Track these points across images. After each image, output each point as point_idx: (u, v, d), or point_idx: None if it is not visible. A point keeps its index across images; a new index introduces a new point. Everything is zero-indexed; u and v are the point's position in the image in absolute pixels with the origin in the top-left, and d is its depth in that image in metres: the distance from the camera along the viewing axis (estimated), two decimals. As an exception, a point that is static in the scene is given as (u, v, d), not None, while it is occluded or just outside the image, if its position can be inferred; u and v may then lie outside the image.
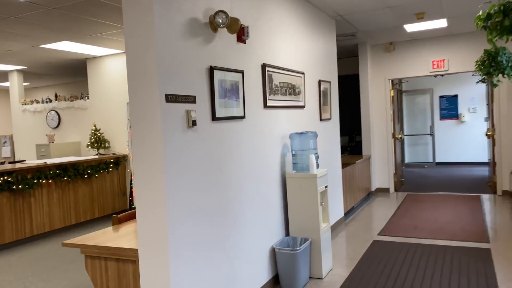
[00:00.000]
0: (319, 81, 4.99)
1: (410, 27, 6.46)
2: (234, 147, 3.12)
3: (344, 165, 6.46)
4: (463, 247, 4.52)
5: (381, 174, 7.94)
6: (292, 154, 3.92)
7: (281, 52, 3.99)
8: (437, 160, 11.35)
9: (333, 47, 5.63)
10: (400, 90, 11.27)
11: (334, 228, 5.42)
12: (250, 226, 3.32)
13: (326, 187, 3.99)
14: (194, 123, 2.58)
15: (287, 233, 3.96)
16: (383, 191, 7.96)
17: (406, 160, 11.69)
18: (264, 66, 3.61)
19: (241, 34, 3.18)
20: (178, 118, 2.50)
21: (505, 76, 5.84)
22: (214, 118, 2.84)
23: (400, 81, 11.12)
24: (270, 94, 3.70)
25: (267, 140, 3.66)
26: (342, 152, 8.54)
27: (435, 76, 7.63)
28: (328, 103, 5.28)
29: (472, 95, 10.93)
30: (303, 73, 4.45)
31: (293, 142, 3.92)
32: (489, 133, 7.40)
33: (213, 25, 2.83)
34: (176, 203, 2.46)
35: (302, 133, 3.89)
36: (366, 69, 7.63)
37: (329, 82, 5.34)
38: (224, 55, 3.02)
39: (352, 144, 8.70)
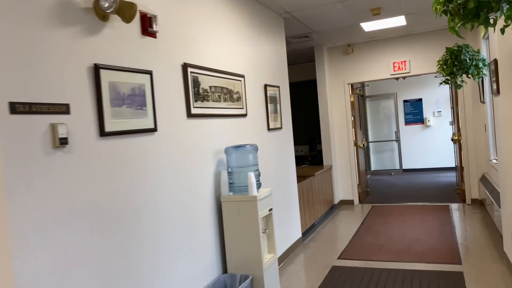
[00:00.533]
0: (265, 86, 4.37)
1: (367, 26, 5.96)
2: (142, 170, 2.43)
3: (302, 178, 5.85)
4: (432, 271, 3.94)
5: (345, 185, 7.39)
6: (228, 173, 3.26)
7: (211, 51, 3.34)
8: (404, 167, 10.95)
9: (282, 48, 5.04)
10: (362, 95, 10.85)
11: (290, 252, 4.77)
12: (170, 270, 2.61)
13: (270, 210, 3.34)
14: (63, 141, 1.88)
15: (224, 269, 3.27)
16: (347, 203, 7.40)
17: (373, 168, 11.25)
18: (185, 66, 2.94)
19: (147, 25, 2.50)
20: (36, 136, 1.79)
21: (469, 76, 5.39)
22: (103, 133, 2.14)
23: (362, 85, 10.70)
24: (196, 101, 3.03)
25: (194, 157, 2.99)
26: (302, 163, 7.96)
27: (397, 79, 7.18)
28: (277, 111, 4.66)
29: (436, 98, 10.62)
30: (242, 76, 3.81)
31: (229, 158, 3.26)
32: (455, 138, 6.97)
33: (98, 11, 2.15)
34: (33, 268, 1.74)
35: (239, 146, 3.24)
36: (324, 73, 7.09)
37: (278, 87, 4.72)
38: (120, 51, 2.33)
39: (313, 153, 8.13)
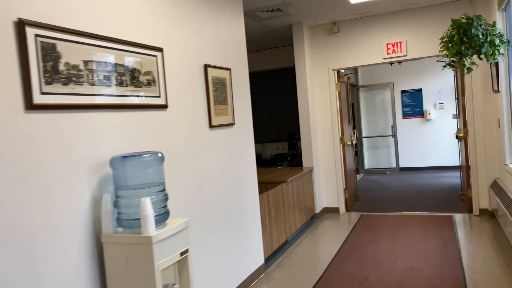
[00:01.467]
0: (206, 67, 3.20)
1: (353, -4, 4.78)
2: None
3: (272, 184, 4.70)
4: (431, 327, 2.81)
5: (329, 190, 6.24)
6: (116, 197, 2.11)
7: (91, 4, 2.17)
8: (401, 165, 9.80)
9: (239, 20, 3.86)
10: (355, 85, 9.67)
11: (245, 287, 3.64)
12: None
13: (184, 253, 2.19)
14: None
15: None
16: (332, 211, 6.25)
17: (366, 166, 10.10)
18: (22, 25, 1.77)
19: None
20: None
21: (481, 57, 4.21)
22: None
23: (355, 72, 9.51)
24: (50, 83, 1.87)
25: (47, 175, 1.84)
26: (280, 164, 6.81)
27: (391, 63, 6.00)
28: (227, 101, 3.50)
29: (438, 88, 9.43)
30: (159, 50, 2.64)
31: (116, 174, 2.10)
32: (460, 134, 5.81)
33: None
34: None
35: (130, 156, 2.08)
36: (303, 57, 5.91)
37: (228, 69, 3.55)
38: None
39: (294, 152, 6.97)
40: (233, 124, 3.56)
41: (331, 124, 6.14)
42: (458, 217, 5.50)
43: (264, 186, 4.85)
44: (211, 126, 3.22)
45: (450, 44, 4.01)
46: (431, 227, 5.12)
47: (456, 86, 6.17)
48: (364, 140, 10.11)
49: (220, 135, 3.36)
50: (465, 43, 3.93)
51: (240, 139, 3.70)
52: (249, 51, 7.70)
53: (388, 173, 9.69)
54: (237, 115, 3.66)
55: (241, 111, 3.74)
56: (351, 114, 8.86)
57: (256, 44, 7.21)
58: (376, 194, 7.31)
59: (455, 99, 6.33)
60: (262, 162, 7.36)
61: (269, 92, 7.89)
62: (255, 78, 8.00)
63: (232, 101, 3.57)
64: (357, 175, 9.68)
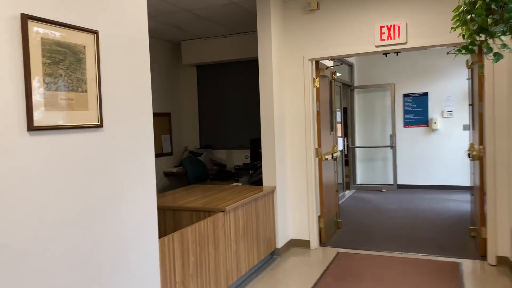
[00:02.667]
0: (25, 20, 1.76)
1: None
2: None
3: (207, 213, 3.27)
4: None
5: (298, 217, 4.78)
6: None
7: None
8: (399, 182, 8.31)
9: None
10: (349, 85, 8.20)
11: None
12: None
13: None
14: None
15: None
16: (300, 245, 4.80)
17: (359, 181, 8.62)
18: None
19: None
20: None
21: (516, 38, 2.74)
22: None
23: (350, 67, 8.04)
24: None
25: None
26: (239, 178, 5.36)
27: (385, 54, 4.54)
28: (84, 85, 2.05)
29: (447, 92, 7.94)
30: None
31: None
32: (474, 152, 4.34)
33: None
34: None
35: None
36: (269, 42, 4.46)
37: (94, 32, 2.11)
38: None
39: (258, 164, 5.51)
40: (98, 126, 2.12)
41: (304, 131, 4.68)
42: (466, 265, 4.03)
43: (191, 215, 3.42)
44: (32, 127, 1.78)
45: (470, 16, 2.55)
46: (429, 279, 3.65)
47: (471, 89, 4.71)
48: (357, 150, 8.63)
49: (60, 144, 1.92)
50: (493, 14, 2.47)
51: (117, 153, 2.25)
52: (215, 35, 6.27)
53: (383, 190, 8.21)
54: (110, 110, 2.21)
55: (123, 105, 2.30)
56: (340, 119, 7.38)
57: (222, 27, 5.78)
58: (363, 221, 5.83)
59: (469, 105, 4.87)
60: (224, 174, 5.92)
61: (240, 86, 6.46)
62: (222, 68, 6.57)
63: (99, 86, 2.12)
64: (347, 191, 8.22)
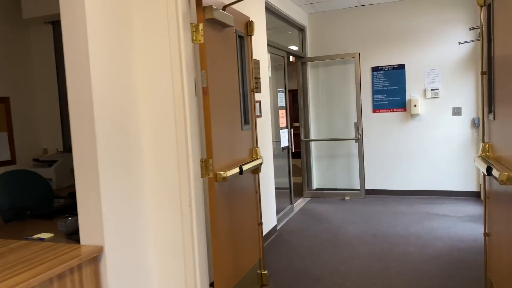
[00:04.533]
0: None
1: None
2: None
3: None
4: None
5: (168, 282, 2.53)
6: None
7: None
8: (368, 186, 6.19)
9: None
10: (301, 56, 5.95)
11: None
12: None
13: None
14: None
15: None
16: None
17: (315, 185, 6.47)
18: None
19: None
20: None
21: None
22: None
23: (302, 33, 5.82)
24: None
25: None
26: (68, 216, 3.02)
27: None
28: None
29: (431, 64, 5.79)
30: None
31: None
32: (486, 152, 2.16)
33: None
34: None
35: None
36: None
37: None
38: None
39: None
40: None
41: (175, 129, 2.39)
42: None
43: None
44: None
45: None
46: None
47: (487, 43, 2.54)
48: (312, 145, 6.45)
49: None
50: None
51: None
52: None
53: (347, 198, 6.07)
54: None
55: None
56: (284, 103, 5.19)
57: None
58: (307, 266, 3.64)
59: (481, 74, 2.69)
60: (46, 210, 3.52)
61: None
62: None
63: None
64: (299, 200, 6.05)
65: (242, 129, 3.05)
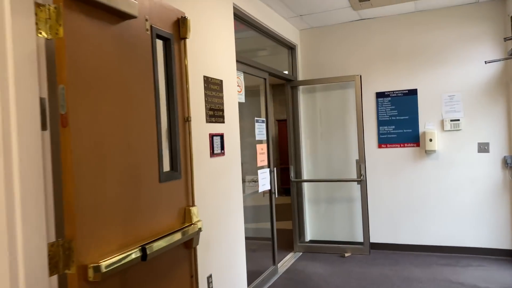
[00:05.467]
0: None
1: None
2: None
3: None
4: None
5: None
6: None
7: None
8: (374, 239, 4.99)
9: None
10: (290, 79, 4.86)
11: None
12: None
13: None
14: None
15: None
16: None
17: (310, 237, 5.29)
18: None
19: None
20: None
21: None
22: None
23: (291, 52, 4.79)
24: None
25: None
26: None
27: None
28: None
29: (450, 88, 4.68)
30: None
31: None
32: None
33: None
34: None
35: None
36: None
37: None
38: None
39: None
40: None
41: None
42: None
43: None
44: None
45: None
46: None
47: None
48: (305, 186, 5.30)
49: None
50: None
51: None
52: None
53: (347, 254, 4.86)
54: None
55: None
56: (266, 135, 4.13)
57: None
58: None
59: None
60: None
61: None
62: None
63: None
64: (287, 256, 4.86)
65: (160, 181, 1.94)
